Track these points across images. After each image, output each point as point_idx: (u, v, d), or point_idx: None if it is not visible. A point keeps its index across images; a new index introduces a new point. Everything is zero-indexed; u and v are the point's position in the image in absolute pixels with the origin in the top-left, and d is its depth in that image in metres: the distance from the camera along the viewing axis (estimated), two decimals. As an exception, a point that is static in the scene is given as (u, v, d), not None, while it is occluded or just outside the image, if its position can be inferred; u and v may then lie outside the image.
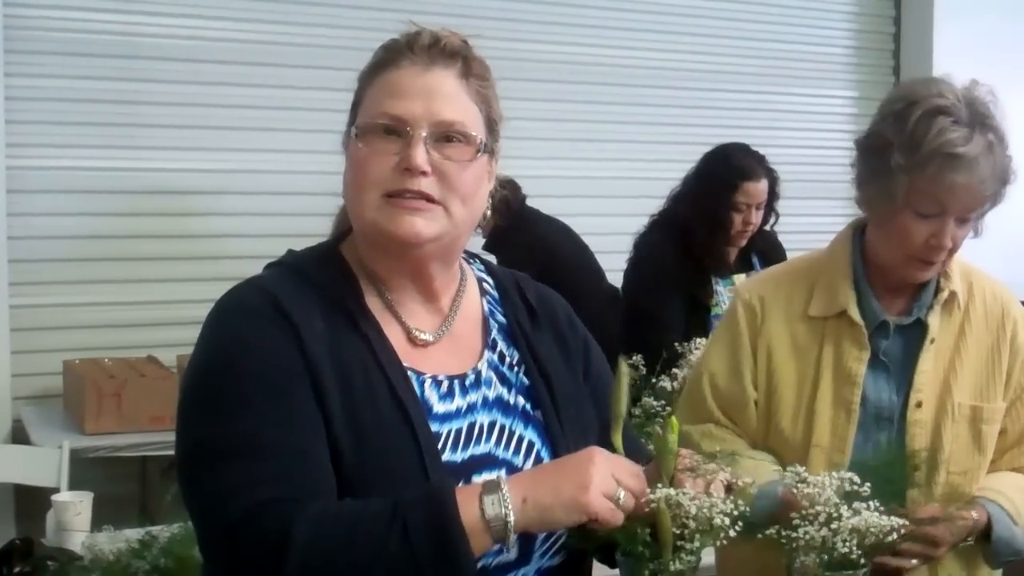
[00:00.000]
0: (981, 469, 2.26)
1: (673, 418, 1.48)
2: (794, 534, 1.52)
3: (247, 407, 1.44)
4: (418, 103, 1.51)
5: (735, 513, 1.39)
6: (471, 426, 1.58)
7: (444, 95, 1.53)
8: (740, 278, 4.03)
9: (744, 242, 4.10)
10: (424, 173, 1.50)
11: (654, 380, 3.40)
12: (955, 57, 6.62)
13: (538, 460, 1.60)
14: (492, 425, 1.60)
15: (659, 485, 1.42)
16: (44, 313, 4.87)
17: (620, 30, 5.96)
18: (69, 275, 4.92)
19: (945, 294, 2.29)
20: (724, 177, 4.02)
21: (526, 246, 4.56)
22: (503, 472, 1.53)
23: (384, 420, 1.49)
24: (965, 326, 2.29)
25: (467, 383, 1.61)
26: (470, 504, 1.38)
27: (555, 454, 1.60)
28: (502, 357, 1.67)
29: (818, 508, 1.54)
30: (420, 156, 1.50)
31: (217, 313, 1.56)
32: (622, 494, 1.39)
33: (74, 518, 2.97)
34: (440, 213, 1.53)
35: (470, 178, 1.55)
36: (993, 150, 2.29)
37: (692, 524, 1.39)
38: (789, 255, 5.85)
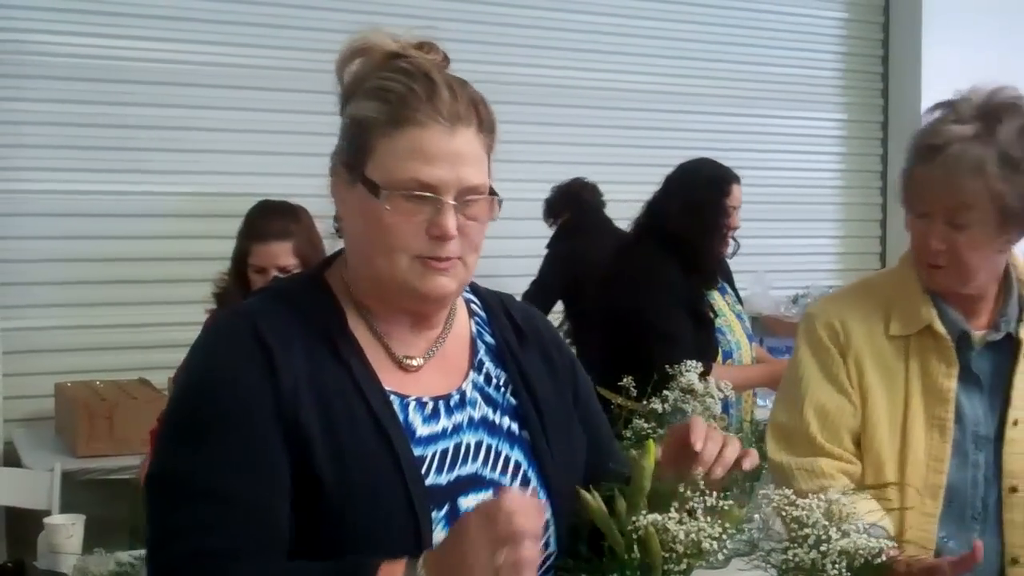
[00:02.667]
0: None
1: (650, 442, 1.48)
2: (783, 556, 1.53)
3: (210, 446, 1.46)
4: (447, 169, 1.52)
5: (723, 537, 1.39)
6: (457, 447, 1.58)
7: (469, 159, 1.54)
8: (716, 293, 4.04)
9: (727, 249, 4.10)
10: (453, 238, 1.53)
11: (646, 402, 3.39)
12: (943, 81, 6.64)
13: (525, 480, 1.61)
14: (479, 445, 1.60)
15: (643, 512, 1.42)
16: (35, 336, 4.87)
17: (608, 54, 5.99)
18: (60, 298, 4.92)
19: None
20: (714, 183, 4.02)
21: (579, 249, 4.83)
22: (490, 493, 1.53)
23: (366, 447, 1.49)
24: None
25: (452, 403, 1.61)
26: None
27: (542, 474, 1.61)
28: (488, 378, 1.67)
29: (807, 531, 1.54)
30: (452, 225, 1.52)
31: (200, 338, 1.59)
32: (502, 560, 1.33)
33: (66, 541, 2.97)
34: (460, 267, 1.57)
35: (483, 232, 1.58)
36: (989, 149, 2.07)
37: (680, 548, 1.39)
38: (779, 276, 5.89)
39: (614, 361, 3.56)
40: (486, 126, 1.57)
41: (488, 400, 1.65)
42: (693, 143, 6.17)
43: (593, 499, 1.47)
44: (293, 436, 1.47)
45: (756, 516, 1.63)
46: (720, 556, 1.38)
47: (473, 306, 1.75)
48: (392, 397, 1.56)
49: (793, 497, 1.57)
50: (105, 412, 4.30)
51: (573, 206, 5.39)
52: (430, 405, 1.59)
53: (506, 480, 1.60)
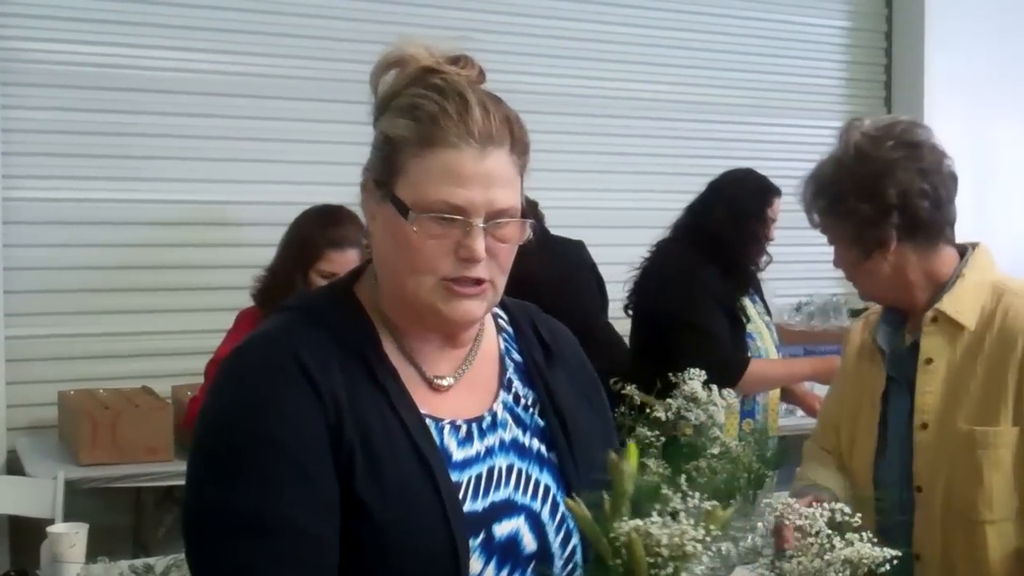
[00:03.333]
0: (983, 498, 2.20)
1: (631, 444, 1.46)
2: (787, 564, 1.52)
3: (258, 477, 1.44)
4: (477, 191, 1.50)
5: (708, 539, 1.38)
6: (490, 471, 1.57)
7: (500, 180, 1.52)
8: (747, 300, 4.11)
9: (763, 258, 4.15)
10: (482, 260, 1.52)
11: (648, 410, 3.38)
12: (946, 88, 6.67)
13: (554, 505, 1.60)
14: (510, 469, 1.59)
15: (625, 517, 1.40)
16: (39, 344, 4.87)
17: (609, 62, 5.98)
18: (63, 306, 4.92)
19: (931, 314, 2.30)
20: (758, 193, 4.14)
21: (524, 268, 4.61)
22: (523, 518, 1.55)
23: (405, 473, 1.48)
24: (976, 347, 2.26)
25: (484, 426, 1.60)
26: None
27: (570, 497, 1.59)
28: (517, 398, 1.66)
29: (810, 540, 1.54)
30: (481, 247, 1.50)
31: (235, 367, 1.54)
32: None
33: (69, 549, 2.96)
34: (489, 291, 1.56)
35: (512, 253, 1.58)
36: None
37: (665, 552, 1.38)
38: (782, 284, 5.89)
39: (641, 358, 3.67)
40: (519, 146, 1.55)
41: (518, 421, 1.64)
42: (695, 151, 6.20)
43: (578, 506, 1.46)
44: (339, 459, 1.46)
45: (760, 524, 1.63)
46: (705, 558, 1.37)
47: (501, 321, 1.74)
48: (427, 420, 1.55)
49: (796, 505, 1.58)
50: (108, 420, 4.30)
51: None
52: (463, 428, 1.58)
53: (536, 505, 1.59)
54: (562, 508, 1.60)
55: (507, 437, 1.61)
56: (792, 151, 6.50)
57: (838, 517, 1.54)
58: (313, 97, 5.28)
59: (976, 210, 6.83)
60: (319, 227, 3.57)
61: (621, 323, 4.33)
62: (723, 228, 4.05)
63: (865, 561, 1.51)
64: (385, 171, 1.54)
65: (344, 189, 5.08)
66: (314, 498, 1.44)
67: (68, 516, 3.72)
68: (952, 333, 2.28)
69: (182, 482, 4.08)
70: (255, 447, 1.45)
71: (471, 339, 1.65)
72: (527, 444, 1.62)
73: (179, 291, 5.05)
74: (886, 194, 2.26)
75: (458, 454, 1.55)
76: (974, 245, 2.45)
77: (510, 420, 1.63)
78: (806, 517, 1.54)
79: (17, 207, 4.82)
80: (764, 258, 4.16)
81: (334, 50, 5.31)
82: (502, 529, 1.54)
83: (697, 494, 1.45)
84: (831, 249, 2.44)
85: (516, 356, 1.70)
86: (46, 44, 4.87)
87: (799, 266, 6.30)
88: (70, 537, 2.98)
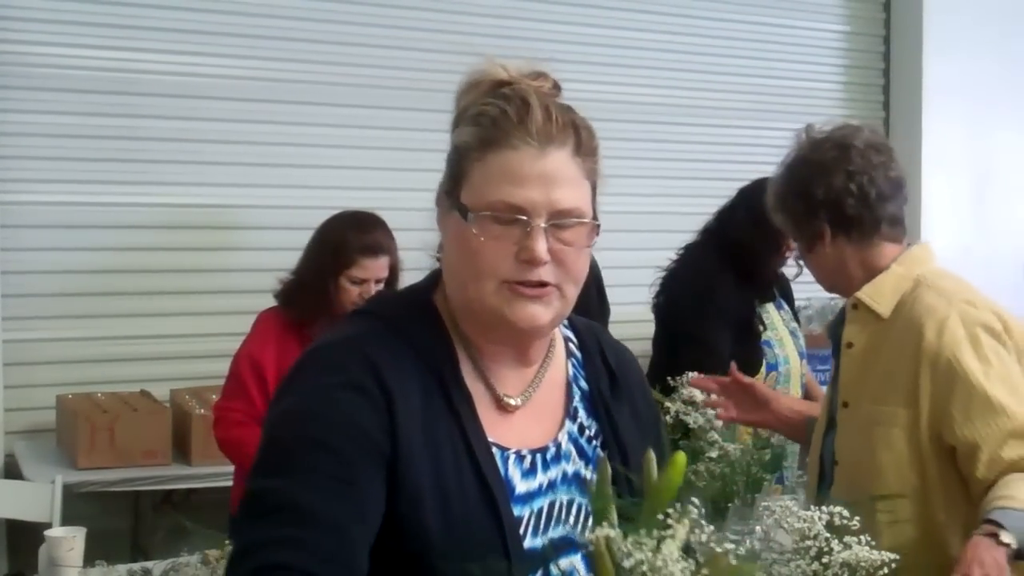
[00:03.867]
0: (875, 474, 2.39)
1: (680, 454, 1.35)
2: (784, 568, 1.52)
3: (307, 471, 1.42)
4: (537, 191, 1.47)
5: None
6: (551, 505, 1.55)
7: (562, 180, 1.48)
8: (771, 307, 4.13)
9: (783, 266, 4.17)
10: (544, 262, 1.47)
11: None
12: (944, 92, 6.68)
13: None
14: (571, 504, 1.56)
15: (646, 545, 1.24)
16: (37, 348, 4.87)
17: (603, 66, 5.96)
18: (62, 310, 4.92)
19: (851, 302, 2.52)
20: None
21: None
22: (579, 556, 1.51)
23: (470, 505, 1.46)
24: (887, 333, 2.46)
25: (548, 457, 1.57)
26: None
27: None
28: (581, 429, 1.62)
29: (808, 543, 1.54)
30: (542, 248, 1.46)
31: (315, 367, 1.52)
32: None
33: (67, 553, 2.96)
34: (555, 297, 1.50)
35: (583, 261, 1.53)
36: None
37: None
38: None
39: (658, 359, 3.75)
40: (585, 150, 1.53)
41: (581, 453, 1.60)
42: (693, 155, 6.21)
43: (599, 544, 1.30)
44: (401, 483, 1.44)
45: (757, 527, 1.63)
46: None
47: (571, 345, 1.69)
48: (494, 449, 1.52)
49: (795, 508, 1.57)
50: (106, 424, 4.30)
51: None
52: (528, 459, 1.55)
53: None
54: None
55: (570, 470, 1.58)
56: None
57: (836, 520, 1.54)
58: (317, 101, 5.29)
59: (974, 212, 6.85)
60: (353, 233, 3.60)
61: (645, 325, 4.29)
62: (744, 234, 4.04)
63: (863, 565, 1.51)
64: (452, 180, 1.53)
65: (341, 193, 5.10)
66: (354, 504, 1.41)
67: (66, 520, 3.71)
68: (869, 320, 2.49)
69: (180, 486, 4.10)
70: (310, 447, 1.43)
71: (540, 357, 1.61)
72: (588, 478, 1.58)
73: (177, 295, 5.05)
74: (815, 192, 2.50)
75: (521, 486, 1.53)
76: (919, 243, 2.69)
77: (574, 452, 1.60)
78: (804, 520, 1.54)
79: (15, 211, 4.82)
80: (795, 269, 4.19)
81: (338, 54, 5.33)
82: (560, 567, 1.51)
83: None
84: None
85: (583, 384, 1.66)
86: (42, 48, 4.87)
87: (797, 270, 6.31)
88: (68, 541, 2.98)
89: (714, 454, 2.69)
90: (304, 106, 5.29)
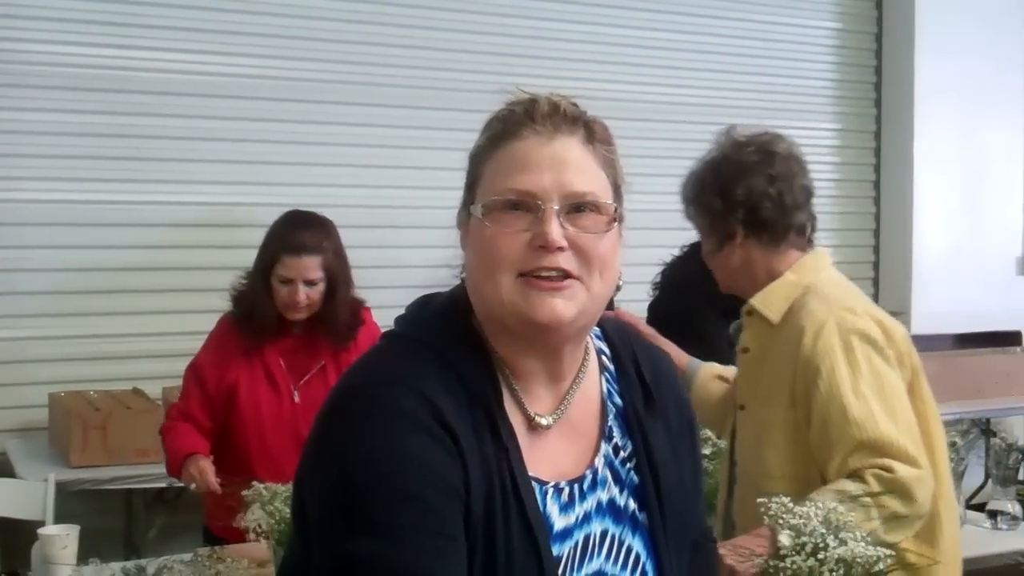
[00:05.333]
0: (769, 472, 2.44)
1: None
2: (781, 564, 1.52)
3: (394, 525, 1.33)
4: (546, 175, 1.41)
5: None
6: (586, 539, 1.48)
7: (572, 164, 1.43)
8: None
9: None
10: (560, 248, 1.40)
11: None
12: (936, 90, 6.69)
13: (643, 573, 1.51)
14: (604, 535, 1.50)
15: None
16: (29, 346, 4.87)
17: (596, 63, 5.96)
18: (54, 308, 4.91)
19: (746, 308, 2.57)
20: None
21: None
22: None
23: (514, 545, 1.38)
24: (776, 339, 2.50)
25: (584, 487, 1.49)
26: None
27: (658, 565, 1.51)
28: (616, 449, 1.54)
29: (804, 539, 1.54)
30: (555, 231, 1.40)
31: (364, 410, 1.40)
32: None
33: (60, 551, 2.95)
34: (579, 289, 1.42)
35: (605, 249, 1.44)
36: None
37: None
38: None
39: None
40: (598, 137, 1.48)
41: (616, 478, 1.53)
42: (684, 153, 6.16)
43: None
44: (467, 523, 1.37)
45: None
46: None
47: (604, 359, 1.60)
48: (533, 484, 1.44)
49: (791, 505, 1.58)
50: (99, 422, 4.30)
51: None
52: (566, 491, 1.48)
53: (626, 574, 1.50)
54: None
55: (604, 498, 1.51)
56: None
57: (832, 518, 1.55)
58: (319, 99, 5.29)
59: (966, 210, 6.86)
60: (279, 232, 3.54)
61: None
62: None
63: (859, 561, 1.51)
64: (467, 190, 1.49)
65: (340, 191, 5.09)
66: (446, 552, 1.34)
67: (59, 518, 3.71)
68: (762, 326, 2.54)
69: (173, 484, 4.09)
70: (391, 498, 1.35)
71: (573, 371, 1.52)
72: (622, 504, 1.52)
73: (170, 293, 5.04)
74: (735, 192, 2.54)
75: (559, 522, 1.46)
76: (814, 251, 2.66)
77: (610, 478, 1.52)
78: (801, 517, 1.55)
79: (9, 209, 4.82)
80: None
81: (337, 52, 5.34)
82: None
83: None
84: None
85: (617, 400, 1.57)
86: (42, 46, 4.87)
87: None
88: (61, 539, 2.97)
89: (708, 451, 2.71)
90: (304, 104, 5.29)
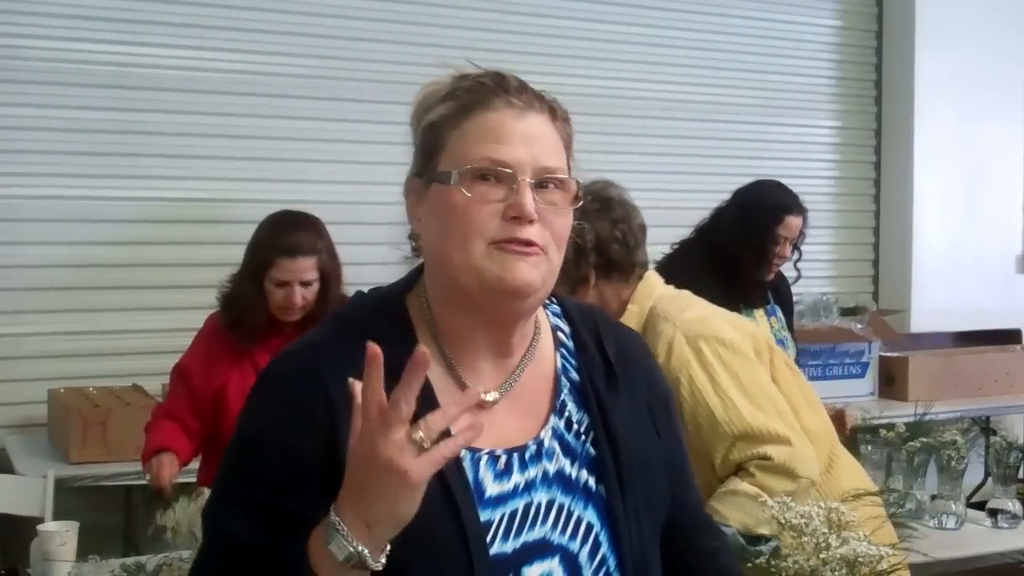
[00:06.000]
0: None
1: None
2: (783, 563, 1.52)
3: (249, 502, 1.40)
4: (522, 148, 1.44)
5: None
6: (527, 507, 1.47)
7: (543, 140, 1.47)
8: (760, 313, 4.16)
9: (771, 276, 4.17)
10: (532, 220, 1.43)
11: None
12: (936, 87, 6.68)
13: (595, 544, 1.49)
14: (550, 505, 1.49)
15: None
16: (29, 342, 4.87)
17: (596, 60, 5.98)
18: (53, 303, 4.91)
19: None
20: (769, 208, 4.14)
21: None
22: (557, 560, 1.46)
23: (430, 513, 1.35)
24: None
25: (527, 456, 1.50)
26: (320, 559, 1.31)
27: (614, 537, 1.50)
28: (569, 423, 1.54)
29: (806, 538, 1.53)
30: (531, 203, 1.42)
31: (264, 384, 1.49)
32: (420, 434, 1.26)
33: (59, 548, 2.96)
34: (543, 259, 1.45)
35: (565, 225, 1.49)
36: None
37: None
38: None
39: None
40: (560, 116, 1.52)
41: (567, 450, 1.52)
42: (684, 150, 6.20)
43: None
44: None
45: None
46: None
47: (560, 335, 1.61)
48: (464, 451, 1.43)
49: (792, 504, 1.57)
50: (98, 418, 4.29)
51: None
52: (503, 459, 1.48)
53: (575, 545, 1.48)
54: (604, 548, 1.49)
55: (552, 469, 1.50)
56: (781, 150, 6.54)
57: (835, 517, 1.54)
58: (317, 95, 5.30)
59: (966, 207, 6.86)
60: (271, 234, 3.50)
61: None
62: (728, 239, 4.08)
63: (861, 560, 1.51)
64: (425, 159, 1.50)
65: (339, 187, 5.08)
66: (299, 533, 1.36)
67: (58, 514, 3.71)
68: None
69: (172, 480, 4.08)
70: (251, 467, 1.43)
71: (522, 347, 1.54)
72: (574, 476, 1.51)
73: (169, 289, 5.04)
74: (584, 239, 2.66)
75: (493, 488, 1.46)
76: (644, 277, 2.82)
77: (558, 449, 1.52)
78: (802, 515, 1.54)
79: (8, 205, 4.82)
80: (794, 274, 4.20)
81: (334, 48, 5.34)
82: (532, 572, 1.45)
83: None
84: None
85: (573, 375, 1.58)
86: (43, 41, 4.87)
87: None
88: (60, 535, 2.97)
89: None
90: (303, 100, 5.28)
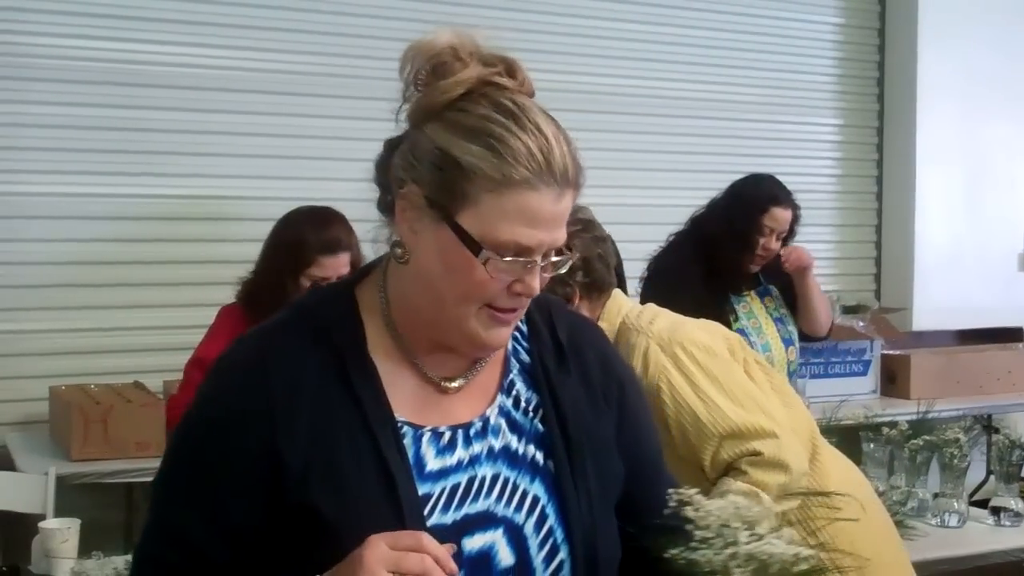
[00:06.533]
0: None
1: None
2: (692, 555, 1.45)
3: (175, 489, 1.53)
4: (547, 233, 1.45)
5: None
6: (470, 480, 1.51)
7: (564, 220, 1.48)
8: (751, 295, 4.23)
9: (757, 268, 4.23)
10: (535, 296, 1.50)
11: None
12: (939, 85, 6.67)
13: (542, 516, 1.52)
14: (495, 478, 1.52)
15: None
16: (30, 339, 4.86)
17: (597, 57, 5.95)
18: (55, 301, 4.91)
19: None
20: (756, 199, 4.18)
21: None
22: (501, 531, 1.49)
23: (366, 485, 1.44)
24: None
25: (472, 432, 1.54)
26: None
27: (562, 509, 1.53)
28: (517, 402, 1.58)
29: (705, 532, 1.46)
30: (539, 284, 1.48)
31: (211, 372, 1.58)
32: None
33: (61, 545, 2.96)
34: (520, 312, 1.54)
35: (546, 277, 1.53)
36: None
37: None
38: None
39: None
40: (581, 183, 1.50)
41: (513, 427, 1.57)
42: (686, 148, 6.19)
43: None
44: (286, 472, 1.45)
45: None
46: None
47: None
48: (405, 429, 1.49)
49: (696, 496, 1.50)
50: (100, 416, 4.28)
51: None
52: (447, 435, 1.52)
53: (520, 517, 1.51)
54: (551, 521, 1.52)
55: (498, 444, 1.54)
56: (783, 148, 6.53)
57: (746, 513, 1.48)
58: (320, 93, 5.29)
59: (968, 205, 6.85)
60: (311, 230, 3.48)
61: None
62: (715, 230, 4.13)
63: (772, 560, 1.43)
64: (446, 194, 1.44)
65: (342, 185, 5.11)
66: (222, 522, 1.47)
67: (59, 512, 3.71)
68: None
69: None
70: (185, 462, 1.54)
71: None
72: (521, 452, 1.55)
73: (171, 286, 5.04)
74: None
75: (434, 463, 1.49)
76: (610, 296, 2.83)
77: (504, 426, 1.56)
78: (702, 509, 1.48)
79: (10, 201, 4.81)
80: (756, 265, 4.22)
81: (340, 46, 5.33)
82: (473, 543, 1.48)
83: None
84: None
85: (524, 357, 1.62)
86: (47, 39, 4.85)
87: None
88: (62, 532, 2.98)
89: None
90: (308, 98, 5.27)
